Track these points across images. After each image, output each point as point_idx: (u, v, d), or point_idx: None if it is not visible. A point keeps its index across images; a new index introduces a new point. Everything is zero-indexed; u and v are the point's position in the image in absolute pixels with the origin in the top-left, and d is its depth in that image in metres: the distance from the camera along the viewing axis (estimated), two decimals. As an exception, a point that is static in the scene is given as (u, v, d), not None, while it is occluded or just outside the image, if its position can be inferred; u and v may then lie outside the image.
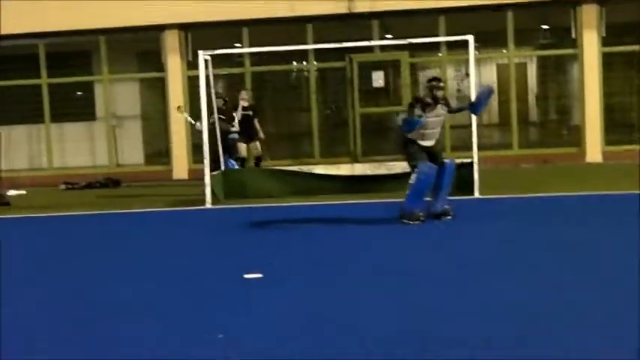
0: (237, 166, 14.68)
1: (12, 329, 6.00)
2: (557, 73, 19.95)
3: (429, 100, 10.08)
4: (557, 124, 20.52)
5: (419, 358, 4.98)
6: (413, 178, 9.99)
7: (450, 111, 10.45)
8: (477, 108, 10.60)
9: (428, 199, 10.22)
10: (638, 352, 4.92)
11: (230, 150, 14.68)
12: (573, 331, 5.43)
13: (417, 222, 9.88)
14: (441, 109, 10.17)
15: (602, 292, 6.36)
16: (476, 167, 12.42)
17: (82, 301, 6.84)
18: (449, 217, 10.13)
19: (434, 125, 10.13)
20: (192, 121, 14.86)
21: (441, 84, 10.29)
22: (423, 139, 10.07)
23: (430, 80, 10.46)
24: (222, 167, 14.07)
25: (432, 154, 10.13)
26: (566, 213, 10.61)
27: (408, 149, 10.13)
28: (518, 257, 7.93)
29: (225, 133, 14.53)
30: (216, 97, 14.49)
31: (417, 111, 9.91)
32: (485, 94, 10.36)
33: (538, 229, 9.40)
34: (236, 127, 14.89)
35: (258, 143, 15.67)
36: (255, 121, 15.58)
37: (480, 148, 12.80)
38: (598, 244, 8.42)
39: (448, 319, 5.75)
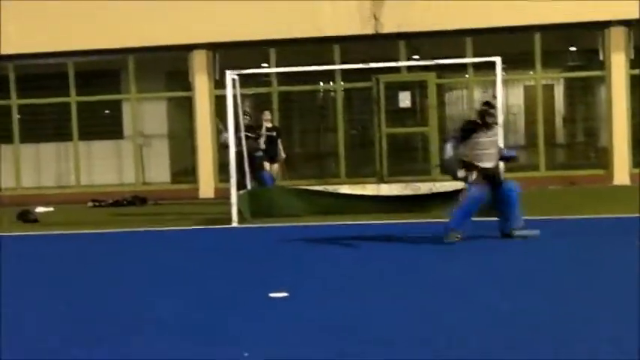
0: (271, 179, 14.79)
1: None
2: (585, 94, 19.89)
3: (479, 121, 10.08)
4: (585, 146, 20.42)
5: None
6: (463, 198, 10.05)
7: None
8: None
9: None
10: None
11: (257, 168, 14.69)
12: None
13: (452, 241, 9.86)
14: (493, 130, 10.15)
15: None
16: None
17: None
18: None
19: (489, 146, 10.06)
20: (222, 128, 14.90)
21: (492, 110, 10.18)
22: (481, 161, 10.04)
23: (484, 104, 10.41)
24: (249, 186, 14.11)
25: (491, 176, 10.08)
26: (592, 234, 10.57)
27: (463, 168, 10.11)
28: (539, 273, 8.02)
29: (252, 151, 14.54)
30: (243, 115, 14.53)
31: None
32: (509, 155, 10.65)
33: (563, 250, 9.39)
34: (262, 145, 14.94)
35: (277, 166, 15.75)
36: (279, 141, 15.65)
37: (506, 169, 12.73)
38: (618, 261, 8.50)
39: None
